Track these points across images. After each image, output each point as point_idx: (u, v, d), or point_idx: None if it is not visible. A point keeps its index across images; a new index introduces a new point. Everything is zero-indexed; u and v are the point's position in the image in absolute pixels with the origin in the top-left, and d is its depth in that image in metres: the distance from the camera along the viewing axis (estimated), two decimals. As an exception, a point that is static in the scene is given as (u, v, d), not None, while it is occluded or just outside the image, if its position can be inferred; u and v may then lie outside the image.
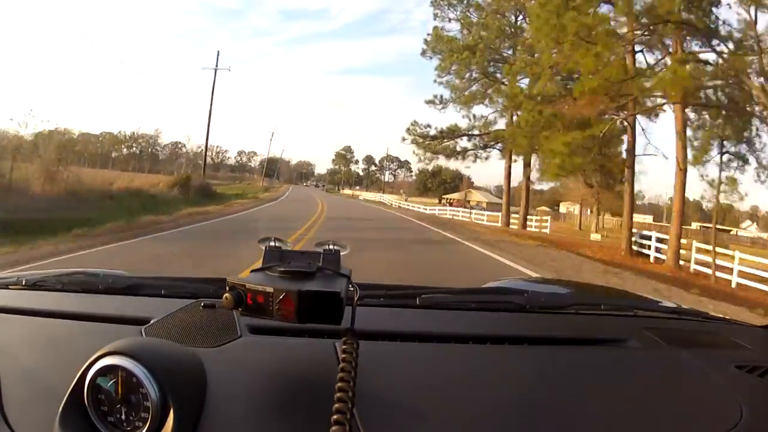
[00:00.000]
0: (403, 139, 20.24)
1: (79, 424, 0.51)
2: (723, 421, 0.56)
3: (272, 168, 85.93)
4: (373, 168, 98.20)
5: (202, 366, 0.57)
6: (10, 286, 0.95)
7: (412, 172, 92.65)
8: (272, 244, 0.64)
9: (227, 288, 0.56)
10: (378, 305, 0.80)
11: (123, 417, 0.50)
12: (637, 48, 11.76)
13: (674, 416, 0.58)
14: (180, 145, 77.39)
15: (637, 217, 21.24)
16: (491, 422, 0.54)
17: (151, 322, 0.71)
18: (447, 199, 52.76)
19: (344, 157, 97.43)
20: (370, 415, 0.52)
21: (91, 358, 0.52)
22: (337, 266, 0.60)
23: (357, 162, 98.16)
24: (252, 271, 0.59)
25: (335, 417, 0.46)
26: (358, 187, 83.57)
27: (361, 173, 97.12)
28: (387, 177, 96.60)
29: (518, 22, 19.22)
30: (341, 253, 0.62)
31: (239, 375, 0.60)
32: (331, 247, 0.62)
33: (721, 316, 0.98)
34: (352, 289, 0.60)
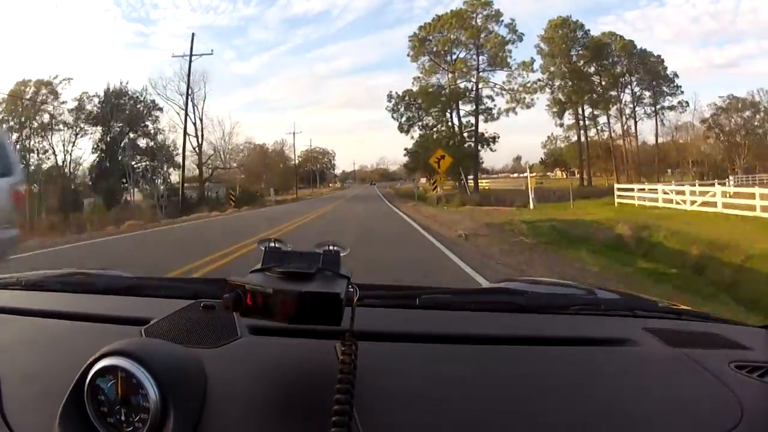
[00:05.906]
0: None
1: (79, 424, 0.51)
2: (723, 422, 0.55)
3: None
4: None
5: (202, 367, 0.57)
6: (9, 287, 0.95)
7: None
8: (272, 244, 0.64)
9: (227, 289, 0.56)
10: (378, 306, 0.80)
11: (123, 418, 0.50)
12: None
13: (674, 417, 0.58)
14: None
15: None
16: (491, 423, 0.54)
17: (151, 322, 0.71)
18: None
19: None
20: (369, 416, 0.52)
21: (91, 359, 0.52)
22: (336, 267, 0.60)
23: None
24: (252, 271, 0.59)
25: (335, 418, 0.46)
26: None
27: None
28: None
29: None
30: (341, 254, 0.62)
31: (239, 376, 0.60)
32: (331, 248, 0.62)
33: (721, 316, 0.98)
34: (351, 290, 0.60)
